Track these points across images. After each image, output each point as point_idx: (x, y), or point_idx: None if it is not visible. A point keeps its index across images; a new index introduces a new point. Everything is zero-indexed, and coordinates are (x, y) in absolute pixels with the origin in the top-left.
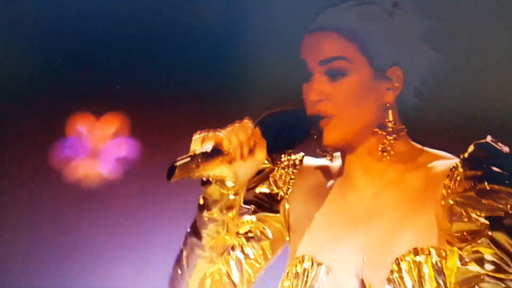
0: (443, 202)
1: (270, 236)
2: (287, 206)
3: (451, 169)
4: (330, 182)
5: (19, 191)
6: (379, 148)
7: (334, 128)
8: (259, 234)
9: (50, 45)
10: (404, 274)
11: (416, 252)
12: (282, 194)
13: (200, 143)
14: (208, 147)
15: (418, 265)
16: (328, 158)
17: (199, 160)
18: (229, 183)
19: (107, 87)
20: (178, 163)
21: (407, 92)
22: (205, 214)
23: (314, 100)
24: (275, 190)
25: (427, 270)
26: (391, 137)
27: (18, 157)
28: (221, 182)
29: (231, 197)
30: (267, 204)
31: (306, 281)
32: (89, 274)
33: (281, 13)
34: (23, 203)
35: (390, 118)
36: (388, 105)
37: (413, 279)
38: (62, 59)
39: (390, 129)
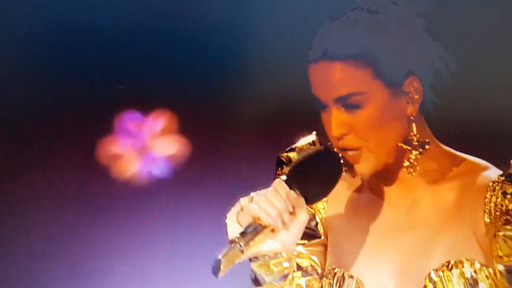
0: (487, 230)
1: (319, 270)
2: (319, 218)
3: (489, 189)
4: (363, 194)
5: (67, 189)
6: (405, 165)
7: (365, 160)
8: (309, 268)
9: (97, 42)
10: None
11: (449, 265)
12: (320, 215)
13: (236, 223)
14: (246, 227)
15: (452, 279)
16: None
17: (241, 244)
18: (279, 254)
19: (156, 84)
20: (221, 256)
21: (426, 91)
22: None
23: (337, 136)
24: (312, 211)
25: (461, 283)
26: (417, 152)
27: (67, 155)
28: (270, 255)
29: (285, 264)
30: (308, 230)
31: None
32: (141, 275)
33: (290, 15)
34: (72, 202)
35: (414, 131)
36: (412, 118)
37: None
38: (109, 56)
39: (415, 143)
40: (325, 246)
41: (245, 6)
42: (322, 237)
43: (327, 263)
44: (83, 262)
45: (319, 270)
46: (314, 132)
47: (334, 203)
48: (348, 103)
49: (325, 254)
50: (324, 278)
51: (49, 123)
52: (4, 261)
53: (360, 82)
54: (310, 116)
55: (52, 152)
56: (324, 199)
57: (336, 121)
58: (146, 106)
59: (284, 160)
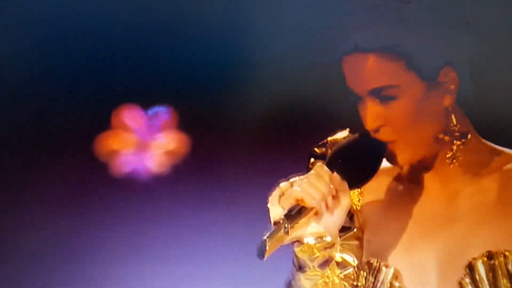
0: None
1: (353, 263)
2: (353, 210)
3: None
4: (400, 186)
5: (64, 186)
6: (448, 156)
7: (405, 150)
8: (343, 261)
9: (95, 37)
10: (477, 277)
11: (490, 255)
12: (355, 207)
13: (278, 206)
14: (289, 209)
15: (493, 269)
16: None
17: (286, 225)
18: (322, 238)
19: (156, 79)
20: (266, 237)
21: (465, 85)
22: (302, 276)
23: (373, 128)
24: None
25: (502, 274)
26: (459, 142)
27: (64, 151)
28: (314, 239)
29: (327, 250)
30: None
31: (375, 283)
32: (136, 274)
33: (288, 15)
34: (68, 199)
35: (454, 122)
36: (449, 108)
37: (486, 284)
38: (109, 50)
39: (456, 134)
40: (359, 239)
41: (247, 3)
42: (356, 230)
43: (363, 256)
44: (80, 260)
45: (354, 263)
46: (347, 129)
47: (370, 194)
48: (382, 95)
49: (359, 248)
50: (361, 272)
51: (46, 118)
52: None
53: (394, 75)
54: (312, 115)
55: (49, 148)
56: (359, 190)
57: (372, 113)
58: (145, 102)
59: (317, 154)
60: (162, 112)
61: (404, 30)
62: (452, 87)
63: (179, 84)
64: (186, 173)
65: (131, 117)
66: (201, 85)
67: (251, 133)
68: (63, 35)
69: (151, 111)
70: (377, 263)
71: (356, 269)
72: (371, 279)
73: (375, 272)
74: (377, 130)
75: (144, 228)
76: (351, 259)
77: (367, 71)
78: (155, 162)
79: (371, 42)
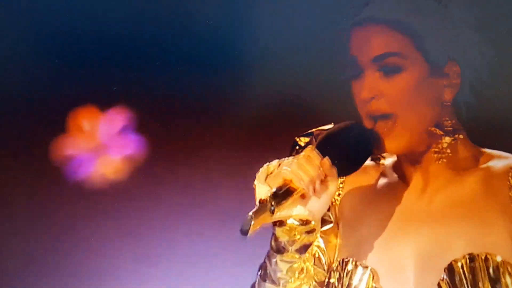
0: None
1: (325, 259)
2: (337, 207)
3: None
4: (382, 182)
5: (18, 190)
6: (435, 150)
7: (398, 134)
8: (316, 256)
9: (55, 37)
10: (457, 279)
11: (471, 257)
12: (334, 200)
13: (265, 185)
14: (277, 188)
15: (473, 271)
16: (377, 162)
17: (272, 204)
18: (305, 222)
19: (113, 81)
20: (251, 213)
21: (462, 88)
22: (279, 257)
23: (366, 98)
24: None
25: (482, 277)
26: (450, 138)
27: (18, 154)
28: (297, 221)
29: (308, 235)
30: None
31: (350, 284)
32: (90, 279)
33: (285, 15)
34: (22, 204)
35: (448, 117)
36: (447, 103)
37: (466, 286)
38: (66, 52)
39: (448, 129)
40: (335, 235)
41: None
42: (332, 225)
43: (337, 254)
44: (32, 265)
45: (325, 260)
46: (332, 123)
47: (351, 188)
48: (386, 64)
49: (334, 244)
50: (332, 271)
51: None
52: None
53: (401, 45)
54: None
55: (2, 152)
56: (341, 185)
57: (369, 84)
58: (103, 103)
59: (301, 143)
60: (120, 114)
61: (414, 16)
62: (455, 81)
63: (139, 85)
64: (143, 178)
65: (87, 119)
66: (161, 86)
67: (213, 138)
68: (20, 33)
69: (108, 113)
70: (352, 263)
71: (328, 266)
72: (346, 279)
73: (350, 273)
74: (369, 101)
75: (97, 236)
76: (324, 258)
77: (375, 38)
78: (111, 167)
79: (384, 14)
